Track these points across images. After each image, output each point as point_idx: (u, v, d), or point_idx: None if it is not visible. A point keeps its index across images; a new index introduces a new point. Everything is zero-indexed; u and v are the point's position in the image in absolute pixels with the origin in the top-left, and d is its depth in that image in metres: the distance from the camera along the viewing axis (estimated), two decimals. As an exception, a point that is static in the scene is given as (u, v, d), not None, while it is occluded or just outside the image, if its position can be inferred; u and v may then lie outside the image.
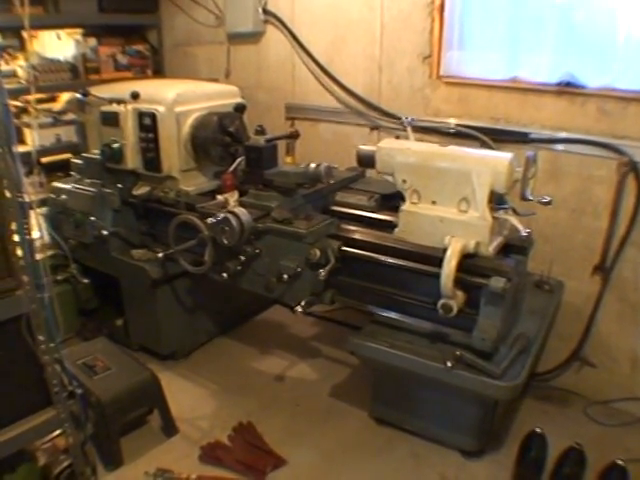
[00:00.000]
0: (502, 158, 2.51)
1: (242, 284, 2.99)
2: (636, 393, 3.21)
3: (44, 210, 3.73)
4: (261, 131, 2.91)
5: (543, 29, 3.13)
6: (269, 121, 3.60)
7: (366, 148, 2.80)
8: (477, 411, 2.80)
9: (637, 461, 2.69)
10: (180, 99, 3.27)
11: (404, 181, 2.68)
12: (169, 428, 3.05)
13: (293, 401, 3.29)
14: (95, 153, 3.54)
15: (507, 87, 3.22)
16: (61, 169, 4.03)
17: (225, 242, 2.75)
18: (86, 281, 3.50)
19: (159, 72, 4.63)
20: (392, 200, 3.18)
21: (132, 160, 3.36)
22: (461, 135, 3.32)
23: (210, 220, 2.74)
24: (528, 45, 3.15)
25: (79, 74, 4.23)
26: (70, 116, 3.99)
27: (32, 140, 3.70)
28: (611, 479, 2.53)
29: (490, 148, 3.22)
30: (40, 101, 3.56)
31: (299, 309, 2.71)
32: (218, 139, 3.22)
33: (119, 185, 3.44)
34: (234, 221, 2.70)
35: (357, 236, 2.79)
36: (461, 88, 3.36)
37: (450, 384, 2.61)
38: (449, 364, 2.53)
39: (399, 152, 2.70)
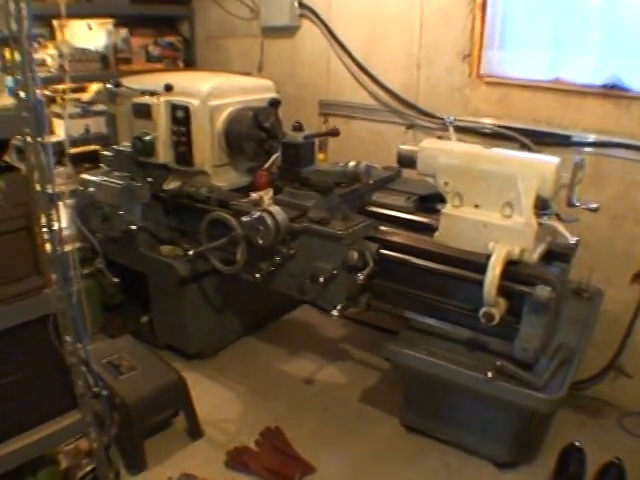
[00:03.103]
0: (549, 162, 2.42)
1: (274, 285, 2.92)
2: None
3: (71, 202, 3.70)
4: (299, 127, 2.84)
5: (588, 29, 3.02)
6: (302, 117, 3.48)
7: (407, 148, 2.72)
8: (513, 422, 2.71)
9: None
10: (214, 92, 3.21)
11: (446, 183, 2.60)
12: (194, 431, 2.98)
13: (322, 405, 3.22)
14: (125, 145, 3.49)
15: (549, 88, 3.12)
16: (89, 160, 3.99)
17: (260, 242, 2.68)
18: (116, 280, 3.43)
19: (191, 64, 4.56)
20: (429, 201, 3.11)
21: (163, 154, 3.30)
22: (500, 136, 3.22)
23: (245, 219, 2.68)
24: (572, 45, 3.05)
25: (109, 64, 4.16)
26: (99, 107, 3.98)
27: (62, 130, 3.66)
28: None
29: (531, 150, 3.13)
30: (69, 91, 3.52)
31: (335, 313, 2.64)
32: (253, 134, 3.16)
33: (149, 179, 3.39)
34: (269, 220, 2.64)
35: (396, 239, 2.71)
36: (502, 88, 3.26)
37: (489, 395, 2.53)
38: (490, 375, 2.45)
39: (442, 153, 2.62)
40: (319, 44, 3.89)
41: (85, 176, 3.66)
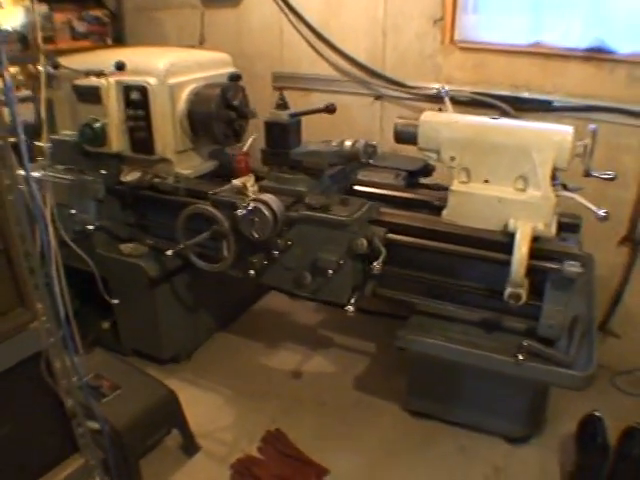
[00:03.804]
0: (565, 132, 2.23)
1: (267, 280, 2.59)
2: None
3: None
4: (283, 104, 2.48)
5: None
6: (253, 92, 3.13)
7: (405, 122, 2.44)
8: (529, 397, 2.58)
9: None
10: (173, 69, 2.77)
11: (452, 158, 2.36)
12: (189, 446, 2.63)
13: (317, 400, 2.94)
14: (65, 134, 3.01)
15: (529, 52, 2.91)
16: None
17: (256, 236, 2.34)
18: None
19: (120, 40, 4.01)
20: (415, 176, 2.87)
21: (117, 142, 2.84)
22: (478, 104, 3.01)
23: (240, 212, 2.31)
24: (553, 8, 2.84)
25: (30, 44, 3.58)
26: (22, 92, 3.42)
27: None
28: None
29: (512, 117, 2.94)
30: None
31: (351, 308, 2.35)
32: (222, 114, 2.77)
33: (102, 171, 2.93)
34: (266, 211, 2.29)
35: (403, 221, 2.43)
36: (477, 54, 3.02)
37: (518, 376, 2.35)
38: (521, 357, 2.25)
39: (446, 126, 2.37)
40: (269, 11, 3.48)
41: (21, 172, 3.14)
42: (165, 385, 2.60)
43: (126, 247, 3.01)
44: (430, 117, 2.40)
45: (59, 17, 3.74)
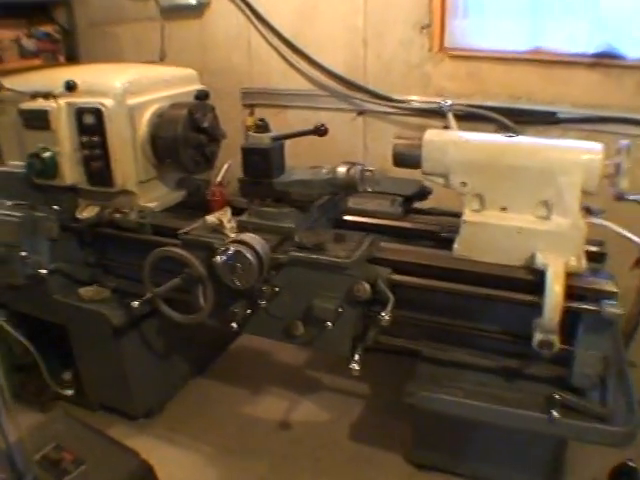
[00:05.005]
0: (594, 150, 1.80)
1: (251, 331, 2.09)
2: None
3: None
4: (264, 126, 1.99)
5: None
6: (220, 111, 2.63)
7: (406, 142, 1.97)
8: (547, 446, 2.12)
9: None
10: (132, 88, 2.25)
11: (463, 184, 1.90)
12: (170, 524, 2.12)
13: (311, 455, 2.43)
14: (13, 165, 2.47)
15: (528, 59, 2.50)
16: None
17: (238, 284, 1.84)
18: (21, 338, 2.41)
19: (73, 58, 3.45)
20: (413, 201, 2.41)
21: (70, 173, 2.31)
22: (473, 117, 2.56)
23: (220, 258, 1.81)
24: (554, 10, 2.43)
25: (-28, 64, 3.03)
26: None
27: None
28: None
29: (511, 131, 2.50)
30: None
31: (355, 367, 1.86)
32: (190, 138, 2.26)
33: (55, 207, 2.39)
34: (249, 255, 1.80)
35: (409, 258, 1.96)
36: (470, 62, 2.58)
37: (550, 434, 1.91)
38: (555, 414, 1.80)
39: (454, 147, 1.91)
40: (236, 22, 2.99)
41: None
42: (137, 455, 2.07)
43: (86, 291, 2.47)
44: (435, 136, 1.93)
45: (6, 34, 3.18)
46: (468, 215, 1.92)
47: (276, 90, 3.02)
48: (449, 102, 2.10)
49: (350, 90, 2.83)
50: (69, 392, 2.61)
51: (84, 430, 2.22)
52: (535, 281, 1.79)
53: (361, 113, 2.84)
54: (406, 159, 1.98)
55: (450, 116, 2.08)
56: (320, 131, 1.88)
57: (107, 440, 2.16)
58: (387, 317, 1.76)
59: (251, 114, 3.08)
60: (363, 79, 2.79)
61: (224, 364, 3.04)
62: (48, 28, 3.35)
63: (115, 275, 2.52)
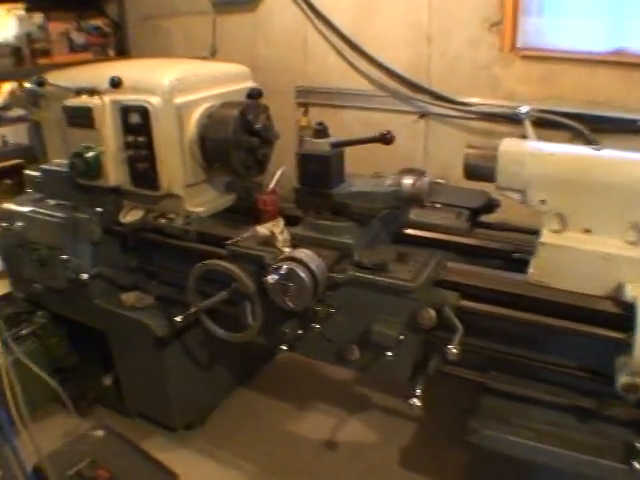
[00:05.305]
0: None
1: (302, 352, 1.91)
2: None
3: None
4: (323, 131, 1.80)
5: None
6: (272, 109, 2.46)
7: (479, 153, 1.75)
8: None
9: None
10: (181, 85, 2.07)
11: (542, 201, 1.68)
12: None
13: (358, 480, 2.27)
14: (58, 163, 2.34)
15: (609, 62, 2.26)
16: (11, 176, 2.82)
17: (290, 305, 1.66)
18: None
19: (123, 52, 3.33)
20: (479, 215, 2.19)
21: (115, 174, 2.16)
22: (545, 124, 2.32)
23: (271, 278, 1.63)
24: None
25: (24, 58, 2.90)
26: (17, 112, 2.76)
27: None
28: None
29: (587, 140, 2.26)
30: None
31: (416, 402, 1.67)
32: (242, 141, 2.08)
33: (98, 209, 2.26)
34: (304, 274, 1.61)
35: (479, 283, 1.74)
36: (544, 64, 2.36)
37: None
38: (637, 465, 1.58)
39: (535, 159, 1.68)
40: (292, 17, 2.82)
41: (9, 206, 2.48)
42: (174, 475, 1.94)
43: (128, 297, 2.33)
44: (512, 147, 1.71)
45: (56, 27, 3.07)
46: (546, 236, 1.69)
47: (332, 89, 2.84)
48: (526, 108, 1.88)
49: (412, 91, 2.63)
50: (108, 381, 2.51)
51: (122, 445, 2.12)
52: (622, 315, 1.57)
53: (423, 116, 2.64)
54: (479, 171, 1.76)
55: (527, 124, 1.85)
56: (386, 139, 1.68)
57: (146, 458, 2.06)
58: (455, 350, 1.56)
59: (305, 114, 2.90)
60: (426, 79, 2.59)
61: (269, 375, 2.87)
62: (98, 22, 3.24)
63: (158, 281, 2.37)
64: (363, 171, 1.94)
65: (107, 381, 2.60)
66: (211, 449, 2.41)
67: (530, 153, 1.70)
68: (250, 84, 2.37)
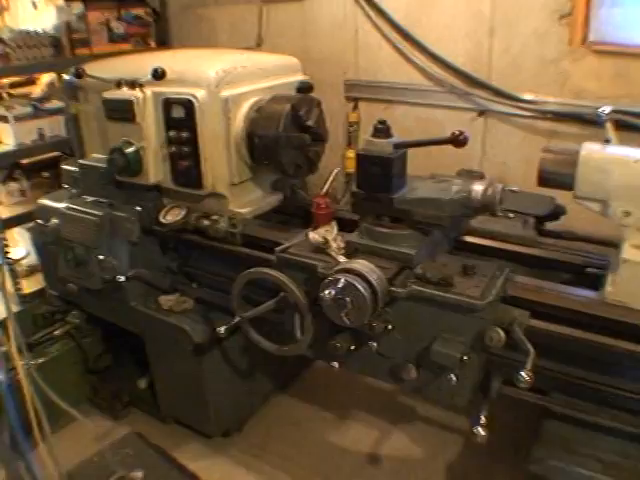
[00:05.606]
0: None
1: (353, 368, 1.77)
2: None
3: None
4: (384, 130, 1.63)
5: None
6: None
7: (557, 158, 1.57)
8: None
9: None
10: (228, 78, 1.93)
11: (627, 213, 1.50)
12: None
13: (403, 499, 2.11)
14: (95, 158, 2.22)
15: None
16: (48, 169, 2.72)
17: (347, 322, 1.51)
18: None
19: (164, 43, 3.19)
20: (544, 224, 2.01)
21: (155, 171, 2.03)
22: (620, 126, 2.12)
23: (328, 293, 1.48)
24: None
25: (63, 49, 2.79)
26: (55, 103, 2.66)
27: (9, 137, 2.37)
28: None
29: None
30: (14, 85, 2.20)
31: (481, 431, 1.51)
32: (293, 138, 1.93)
33: (137, 207, 2.13)
34: (362, 288, 1.46)
35: (551, 301, 1.56)
36: (619, 59, 2.13)
37: None
38: None
39: (621, 167, 1.50)
40: (342, 6, 2.64)
41: (44, 201, 2.38)
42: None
43: (167, 300, 2.21)
44: (594, 152, 1.53)
45: (95, 17, 2.94)
46: (629, 252, 1.51)
47: (385, 83, 2.65)
48: (608, 108, 1.68)
49: (471, 87, 2.43)
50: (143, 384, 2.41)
51: (154, 457, 2.02)
52: None
53: (482, 113, 2.44)
54: (555, 178, 1.57)
55: (609, 126, 1.66)
56: (458, 141, 1.51)
57: (181, 472, 1.92)
58: (528, 378, 1.39)
59: (354, 108, 2.73)
60: (487, 74, 2.38)
61: (309, 381, 2.71)
62: (139, 11, 3.10)
63: (198, 284, 2.25)
64: (414, 169, 1.76)
65: (142, 384, 2.49)
66: (247, 459, 2.29)
67: (617, 160, 1.51)
68: (300, 77, 2.22)
